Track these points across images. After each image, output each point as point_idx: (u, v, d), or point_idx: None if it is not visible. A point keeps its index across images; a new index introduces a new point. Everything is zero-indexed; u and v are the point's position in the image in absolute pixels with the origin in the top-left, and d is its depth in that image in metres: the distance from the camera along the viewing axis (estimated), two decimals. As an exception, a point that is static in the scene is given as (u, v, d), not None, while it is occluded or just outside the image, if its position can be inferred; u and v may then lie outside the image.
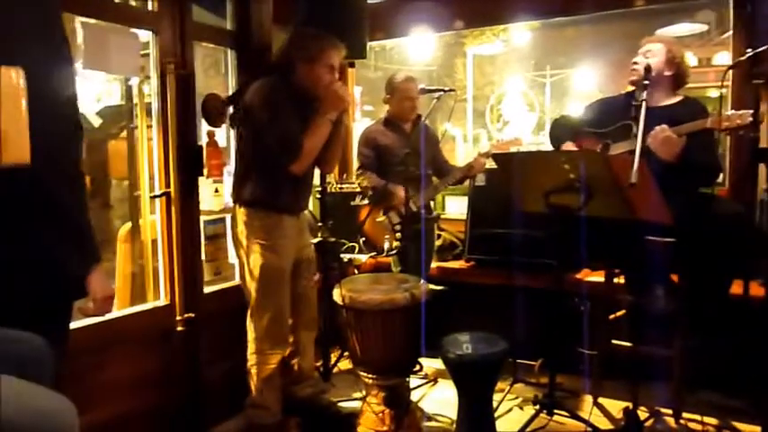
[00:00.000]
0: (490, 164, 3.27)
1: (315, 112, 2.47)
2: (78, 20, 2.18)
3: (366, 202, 3.31)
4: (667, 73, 2.56)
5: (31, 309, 1.36)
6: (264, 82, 2.43)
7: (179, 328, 2.57)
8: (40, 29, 1.33)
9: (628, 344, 2.69)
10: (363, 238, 3.35)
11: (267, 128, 2.37)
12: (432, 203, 3.48)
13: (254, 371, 2.53)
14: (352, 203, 3.47)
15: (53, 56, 1.37)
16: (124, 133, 3.22)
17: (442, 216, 3.97)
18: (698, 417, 2.55)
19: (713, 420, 2.60)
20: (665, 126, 2.32)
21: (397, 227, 3.23)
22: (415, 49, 6.92)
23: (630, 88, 2.62)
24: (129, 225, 3.08)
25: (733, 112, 2.25)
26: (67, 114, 1.41)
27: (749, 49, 2.50)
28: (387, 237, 3.23)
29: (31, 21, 1.30)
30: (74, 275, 1.42)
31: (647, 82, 2.37)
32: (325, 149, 2.51)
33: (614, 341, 2.75)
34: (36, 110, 1.24)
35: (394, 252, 3.21)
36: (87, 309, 1.49)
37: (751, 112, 2.21)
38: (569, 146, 2.68)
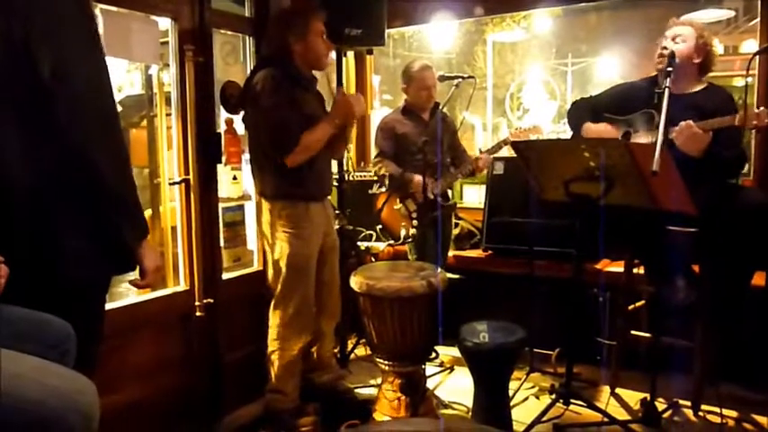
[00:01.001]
0: (509, 152, 3.24)
1: (316, 93, 2.57)
2: (99, 7, 2.20)
3: (383, 189, 3.30)
4: (696, 60, 2.48)
5: (71, 287, 1.39)
6: (265, 74, 2.42)
7: (198, 314, 2.60)
8: (76, 17, 1.38)
9: (647, 335, 2.66)
10: (380, 226, 3.35)
11: (264, 120, 2.40)
12: (449, 192, 3.46)
13: (274, 357, 2.55)
14: (369, 192, 3.47)
15: (90, 42, 1.42)
16: (144, 122, 3.25)
17: (460, 205, 3.95)
18: (717, 409, 2.52)
19: (732, 413, 2.57)
20: (690, 122, 2.26)
21: (414, 214, 3.22)
22: (434, 36, 6.83)
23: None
24: (149, 212, 3.12)
25: (762, 109, 2.15)
26: (108, 97, 1.45)
27: (778, 36, 2.42)
28: (403, 224, 3.23)
29: (69, 9, 1.37)
30: (124, 248, 1.45)
31: (670, 69, 2.32)
32: (329, 146, 2.53)
33: (633, 332, 2.73)
34: (81, 93, 1.32)
35: (410, 239, 3.20)
36: (138, 281, 1.52)
37: None
38: (590, 128, 2.63)
